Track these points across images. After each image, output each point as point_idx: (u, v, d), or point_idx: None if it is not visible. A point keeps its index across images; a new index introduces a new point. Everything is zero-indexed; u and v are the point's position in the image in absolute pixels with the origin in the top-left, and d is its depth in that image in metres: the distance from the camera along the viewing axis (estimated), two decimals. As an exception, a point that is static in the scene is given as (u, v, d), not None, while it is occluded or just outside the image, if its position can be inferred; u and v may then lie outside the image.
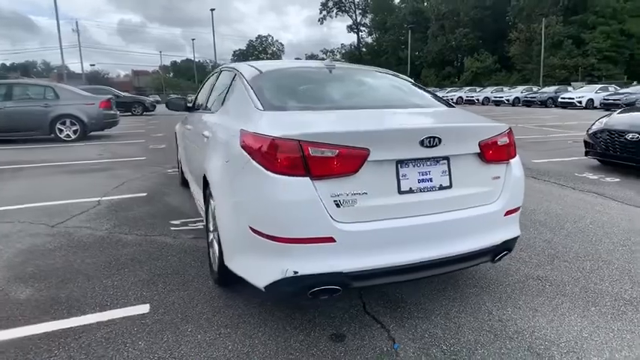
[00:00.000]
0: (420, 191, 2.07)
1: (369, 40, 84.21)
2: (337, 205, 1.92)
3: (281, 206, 1.89)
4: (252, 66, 2.91)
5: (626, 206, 4.54)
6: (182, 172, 5.27)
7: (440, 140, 2.03)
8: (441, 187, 2.12)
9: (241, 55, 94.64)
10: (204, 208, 3.16)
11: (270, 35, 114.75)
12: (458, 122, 2.30)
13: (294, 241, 1.89)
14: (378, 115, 2.35)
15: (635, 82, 30.91)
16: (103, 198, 5.00)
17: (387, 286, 2.66)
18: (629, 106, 7.61)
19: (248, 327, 2.29)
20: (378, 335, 2.21)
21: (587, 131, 6.68)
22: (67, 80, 32.28)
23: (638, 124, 5.90)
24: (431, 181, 2.10)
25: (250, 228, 2.04)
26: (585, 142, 6.70)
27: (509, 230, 2.37)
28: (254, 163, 2.01)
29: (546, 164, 6.79)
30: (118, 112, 12.63)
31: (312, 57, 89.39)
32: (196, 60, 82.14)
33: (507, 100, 31.93)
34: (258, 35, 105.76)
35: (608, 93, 23.80)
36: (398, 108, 2.56)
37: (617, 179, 5.81)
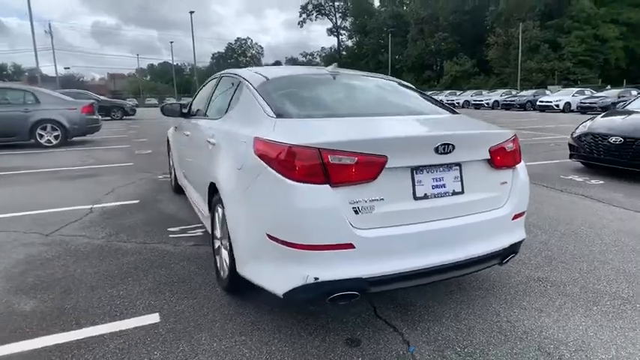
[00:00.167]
0: (435, 197, 2.12)
1: (350, 43, 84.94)
2: (356, 212, 1.95)
3: (301, 213, 1.91)
4: (257, 73, 2.92)
5: (613, 208, 4.71)
6: (175, 179, 5.23)
7: (453, 147, 2.09)
8: (454, 193, 2.18)
9: (220, 58, 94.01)
10: (207, 215, 3.15)
11: (249, 38, 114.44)
12: (470, 129, 2.36)
13: (315, 248, 1.91)
14: (391, 123, 2.39)
15: (608, 86, 32.02)
16: (95, 205, 4.92)
17: (396, 291, 2.70)
18: (611, 110, 7.89)
19: (263, 334, 2.29)
20: (392, 339, 2.25)
21: (572, 135, 6.90)
22: (42, 84, 31.49)
23: (621, 128, 6.13)
24: (444, 187, 2.15)
25: (268, 235, 2.06)
26: (570, 145, 6.91)
27: (517, 233, 2.45)
28: (271, 170, 2.02)
29: (532, 167, 6.98)
30: (101, 117, 12.40)
31: (292, 60, 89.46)
32: (175, 63, 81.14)
33: (487, 104, 32.63)
34: (238, 38, 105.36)
35: (585, 96, 24.56)
36: (408, 115, 2.61)
37: (602, 181, 6.02)
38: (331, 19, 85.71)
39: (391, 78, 3.42)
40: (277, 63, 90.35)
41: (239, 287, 2.55)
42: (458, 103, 35.76)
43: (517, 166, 2.44)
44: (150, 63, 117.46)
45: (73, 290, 2.82)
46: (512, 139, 2.40)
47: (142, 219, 4.39)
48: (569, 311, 2.52)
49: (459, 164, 2.19)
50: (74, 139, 11.25)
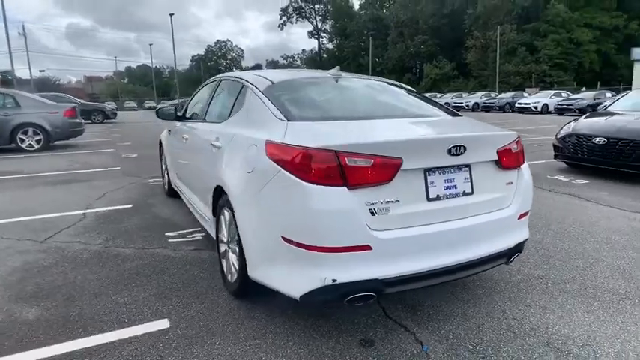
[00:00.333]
0: (446, 198, 2.17)
1: (330, 46, 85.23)
2: (372, 214, 1.98)
3: (319, 216, 1.92)
4: (261, 76, 2.92)
5: (600, 206, 4.86)
6: (169, 183, 5.17)
7: (465, 148, 2.13)
8: (464, 194, 2.23)
9: (200, 61, 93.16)
10: (210, 219, 3.13)
11: (229, 40, 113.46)
12: (479, 131, 2.42)
13: (333, 250, 1.93)
14: (403, 125, 2.43)
15: (583, 88, 32.98)
16: (88, 211, 4.82)
17: (404, 291, 2.72)
18: (594, 112, 8.15)
19: (276, 337, 2.29)
20: (404, 338, 2.28)
21: (556, 136, 7.09)
22: (17, 87, 30.61)
23: (604, 129, 6.33)
24: (455, 188, 2.20)
25: (283, 238, 2.06)
26: (554, 145, 7.09)
27: (522, 233, 2.51)
28: (286, 173, 2.03)
29: (519, 167, 7.13)
30: (84, 121, 12.15)
31: (272, 63, 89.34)
32: (154, 66, 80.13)
33: (467, 106, 33.20)
34: (217, 40, 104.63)
35: (562, 98, 25.24)
36: (416, 117, 2.65)
37: (587, 181, 6.20)
38: (312, 22, 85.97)
39: (393, 81, 3.47)
40: (258, 66, 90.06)
41: (249, 291, 2.54)
42: (439, 105, 36.20)
43: (522, 166, 2.51)
44: (128, 65, 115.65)
45: (75, 297, 2.76)
46: (516, 140, 2.47)
47: (137, 224, 4.33)
48: (572, 307, 2.60)
49: (468, 165, 2.24)
50: (57, 143, 11.01)
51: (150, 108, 55.69)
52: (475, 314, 2.53)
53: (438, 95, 40.22)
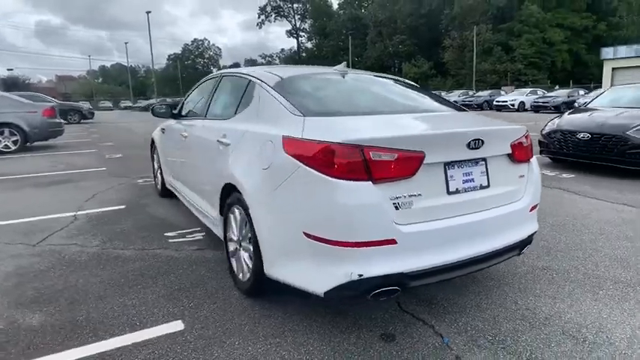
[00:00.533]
0: (465, 191, 2.19)
1: (309, 45, 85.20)
2: (396, 208, 1.98)
3: (345, 211, 1.91)
4: (269, 72, 2.88)
5: (589, 199, 5.01)
6: (163, 182, 5.06)
7: (482, 142, 2.16)
8: (481, 187, 2.25)
9: (177, 60, 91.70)
10: (216, 218, 3.07)
11: (206, 39, 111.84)
12: (494, 125, 2.44)
13: (359, 245, 1.92)
14: (420, 120, 2.44)
15: (557, 87, 33.97)
16: (79, 212, 4.67)
17: (426, 285, 2.74)
18: (576, 108, 8.40)
19: (296, 335, 2.27)
20: (424, 332, 2.29)
21: (541, 131, 7.27)
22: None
23: (587, 125, 6.53)
24: (473, 181, 2.22)
25: (305, 234, 2.04)
26: (540, 141, 7.26)
27: (532, 224, 2.56)
28: (308, 169, 2.01)
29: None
30: (63, 121, 11.79)
31: (251, 62, 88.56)
32: (130, 65, 78.45)
33: (446, 104, 33.64)
34: (194, 39, 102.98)
35: (538, 96, 25.93)
36: (430, 112, 2.67)
37: (572, 175, 6.38)
38: (290, 21, 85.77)
39: (397, 78, 3.48)
40: (236, 65, 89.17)
41: (264, 289, 2.51)
42: (419, 103, 36.68)
43: (532, 160, 2.56)
44: (102, 65, 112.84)
45: (80, 301, 2.67)
46: (526, 134, 2.51)
47: (133, 224, 4.22)
48: (580, 296, 2.66)
49: (484, 159, 2.26)
50: (37, 144, 10.64)
51: (126, 108, 54.55)
52: (489, 306, 2.56)
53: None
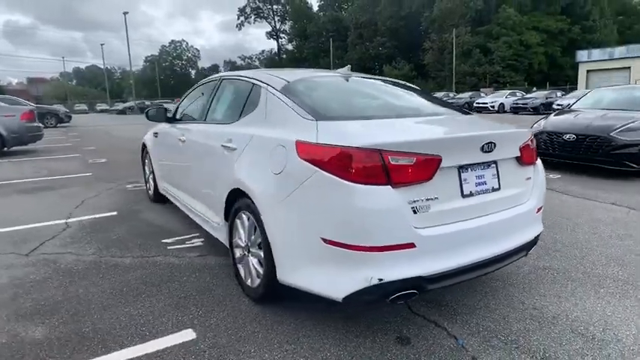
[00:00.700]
0: (478, 194, 2.22)
1: (290, 47, 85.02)
2: (414, 212, 1.99)
3: (364, 215, 1.91)
4: (274, 75, 2.86)
5: (578, 199, 5.14)
6: (155, 187, 4.96)
7: (495, 145, 2.19)
8: (493, 189, 2.28)
9: (155, 62, 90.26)
10: (220, 224, 3.03)
11: (184, 40, 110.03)
12: (504, 128, 2.48)
13: (379, 249, 1.92)
14: (432, 123, 2.46)
15: (534, 88, 34.83)
16: (70, 220, 4.55)
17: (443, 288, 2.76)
18: (561, 110, 8.62)
19: (311, 340, 2.25)
20: (437, 334, 2.31)
21: (528, 133, 7.42)
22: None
23: (573, 126, 6.71)
24: (485, 184, 2.25)
25: (323, 239, 2.03)
26: (526, 142, 7.42)
27: (538, 225, 2.61)
28: (325, 173, 2.00)
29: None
30: (42, 125, 11.46)
31: (230, 63, 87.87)
32: (105, 66, 76.80)
33: (428, 105, 34.10)
34: (172, 40, 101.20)
35: (517, 98, 26.53)
36: (436, 115, 2.70)
37: (559, 175, 6.54)
38: (270, 23, 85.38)
39: (400, 81, 3.51)
40: (215, 67, 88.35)
41: (276, 296, 2.49)
42: (400, 105, 37.05)
43: (537, 162, 2.61)
44: (76, 66, 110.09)
45: (83, 312, 2.60)
46: (531, 138, 2.56)
47: (128, 231, 4.13)
48: (583, 295, 2.73)
49: (495, 162, 2.30)
50: (15, 149, 10.31)
51: (102, 111, 53.35)
52: (497, 306, 2.60)
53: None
